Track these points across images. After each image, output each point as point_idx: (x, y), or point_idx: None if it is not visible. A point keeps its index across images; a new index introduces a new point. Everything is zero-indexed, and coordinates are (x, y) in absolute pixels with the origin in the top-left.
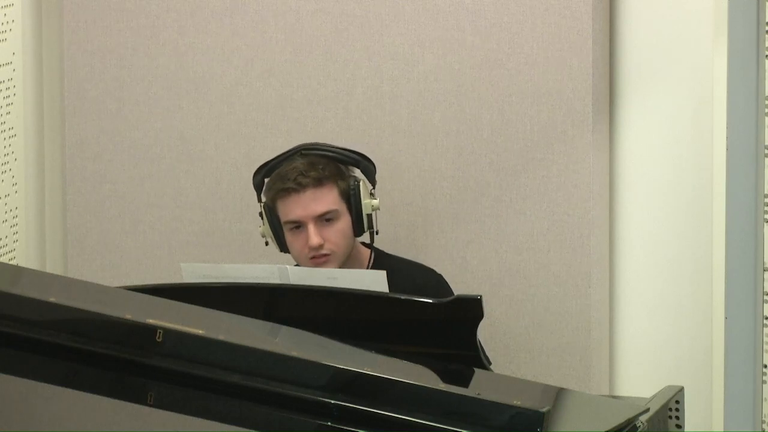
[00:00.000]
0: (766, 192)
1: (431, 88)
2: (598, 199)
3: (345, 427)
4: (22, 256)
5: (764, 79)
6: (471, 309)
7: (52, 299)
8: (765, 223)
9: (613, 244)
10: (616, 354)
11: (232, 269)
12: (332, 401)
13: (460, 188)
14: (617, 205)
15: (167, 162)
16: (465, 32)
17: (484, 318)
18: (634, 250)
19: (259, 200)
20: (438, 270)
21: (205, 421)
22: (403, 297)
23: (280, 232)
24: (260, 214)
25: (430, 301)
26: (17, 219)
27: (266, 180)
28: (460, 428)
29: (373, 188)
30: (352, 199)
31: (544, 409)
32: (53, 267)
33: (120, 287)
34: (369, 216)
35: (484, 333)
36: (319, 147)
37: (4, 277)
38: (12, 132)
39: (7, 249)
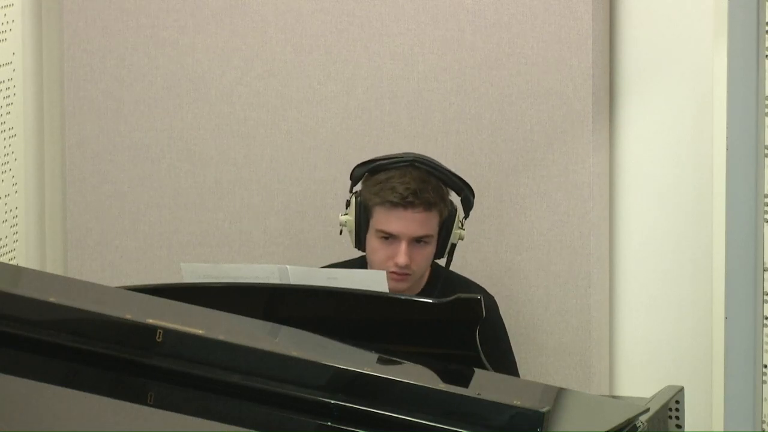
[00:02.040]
0: (766, 192)
1: (431, 88)
2: (598, 199)
3: (345, 427)
4: (22, 256)
5: (764, 79)
6: (471, 309)
7: (52, 299)
8: (765, 223)
9: (613, 244)
10: (616, 354)
11: (232, 269)
12: (332, 401)
13: None
14: (617, 205)
15: (167, 162)
16: (465, 32)
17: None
18: (634, 250)
19: (351, 190)
20: None
21: (205, 421)
22: (403, 297)
23: (363, 230)
24: (347, 203)
25: (430, 301)
26: (17, 219)
27: (367, 174)
28: (460, 428)
29: (465, 218)
30: (444, 228)
31: (544, 409)
32: (53, 267)
33: (120, 287)
34: (453, 245)
35: None
36: (431, 164)
37: (4, 277)
38: (12, 132)
39: (7, 249)
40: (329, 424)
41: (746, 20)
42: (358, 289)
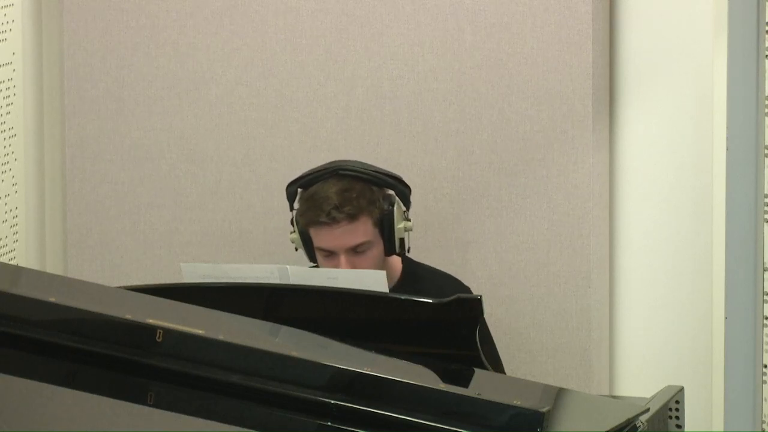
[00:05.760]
0: (766, 192)
1: (431, 88)
2: (598, 199)
3: (345, 427)
4: (22, 256)
5: (764, 79)
6: (471, 309)
7: (52, 299)
8: (765, 223)
9: (613, 244)
10: (616, 354)
11: (232, 269)
12: (332, 401)
13: (460, 188)
14: (617, 205)
15: (167, 162)
16: (465, 32)
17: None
18: (634, 250)
19: (291, 209)
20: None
21: (205, 421)
22: (403, 297)
23: (309, 247)
24: (291, 222)
25: (430, 301)
26: (17, 219)
27: (299, 191)
28: (460, 428)
29: (407, 210)
30: (385, 226)
31: (544, 409)
32: (53, 267)
33: (120, 287)
34: (402, 239)
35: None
36: (355, 168)
37: (4, 277)
38: (12, 132)
39: (7, 249)
40: (329, 423)
41: (746, 20)
42: (358, 289)
